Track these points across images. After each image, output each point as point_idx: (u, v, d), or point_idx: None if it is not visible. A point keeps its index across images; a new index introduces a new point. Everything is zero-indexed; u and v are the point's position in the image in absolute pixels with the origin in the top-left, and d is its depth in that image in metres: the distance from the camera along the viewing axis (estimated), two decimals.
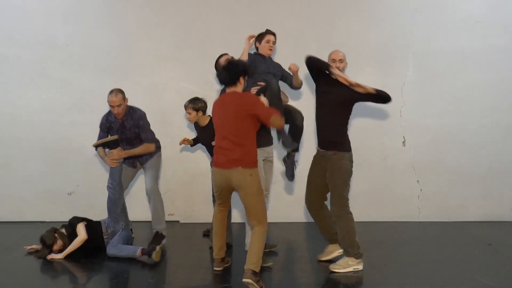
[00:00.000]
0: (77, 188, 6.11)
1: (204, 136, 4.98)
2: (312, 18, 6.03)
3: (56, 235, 4.74)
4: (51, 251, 4.68)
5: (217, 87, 5.75)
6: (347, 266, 4.13)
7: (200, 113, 4.88)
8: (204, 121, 4.94)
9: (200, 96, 5.02)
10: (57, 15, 6.00)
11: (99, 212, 6.03)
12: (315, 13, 6.02)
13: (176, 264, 4.58)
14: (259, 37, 4.85)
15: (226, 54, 4.93)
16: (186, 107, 4.92)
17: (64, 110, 6.05)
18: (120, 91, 4.83)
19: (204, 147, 5.45)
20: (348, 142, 4.30)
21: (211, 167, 5.21)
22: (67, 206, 6.06)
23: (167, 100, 6.00)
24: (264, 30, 4.87)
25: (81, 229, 4.76)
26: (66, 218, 5.99)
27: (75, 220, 4.86)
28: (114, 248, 4.65)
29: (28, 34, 5.99)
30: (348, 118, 4.31)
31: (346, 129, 4.30)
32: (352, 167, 4.27)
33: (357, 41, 6.00)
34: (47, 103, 6.03)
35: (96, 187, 6.03)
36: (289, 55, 5.87)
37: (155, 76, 6.06)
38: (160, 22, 6.03)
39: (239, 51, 5.97)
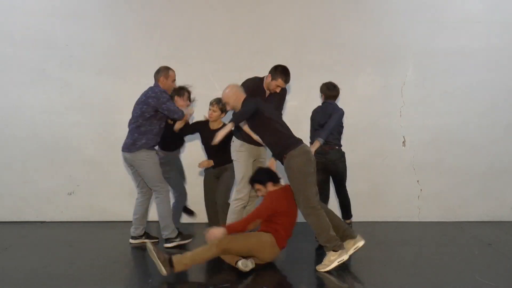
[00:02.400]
0: (77, 188, 6.11)
1: (211, 139, 4.96)
2: (312, 18, 6.03)
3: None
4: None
5: (216, 87, 5.76)
6: (331, 262, 4.11)
7: (223, 115, 4.95)
8: (218, 125, 5.02)
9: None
10: (57, 15, 6.00)
11: (99, 212, 6.06)
12: (315, 13, 6.02)
13: None
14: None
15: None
16: (212, 103, 4.95)
17: (64, 110, 6.05)
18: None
19: (200, 150, 5.45)
20: (287, 140, 4.18)
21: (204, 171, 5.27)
22: (67, 206, 6.06)
23: None
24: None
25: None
26: (66, 218, 6.04)
27: None
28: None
29: (28, 34, 5.99)
30: (262, 125, 4.23)
31: (273, 133, 4.22)
32: (306, 159, 4.12)
33: (357, 41, 6.01)
34: (47, 103, 6.03)
35: (96, 187, 6.04)
36: (289, 55, 5.89)
37: None
38: (160, 22, 6.03)
39: (239, 51, 6.02)
